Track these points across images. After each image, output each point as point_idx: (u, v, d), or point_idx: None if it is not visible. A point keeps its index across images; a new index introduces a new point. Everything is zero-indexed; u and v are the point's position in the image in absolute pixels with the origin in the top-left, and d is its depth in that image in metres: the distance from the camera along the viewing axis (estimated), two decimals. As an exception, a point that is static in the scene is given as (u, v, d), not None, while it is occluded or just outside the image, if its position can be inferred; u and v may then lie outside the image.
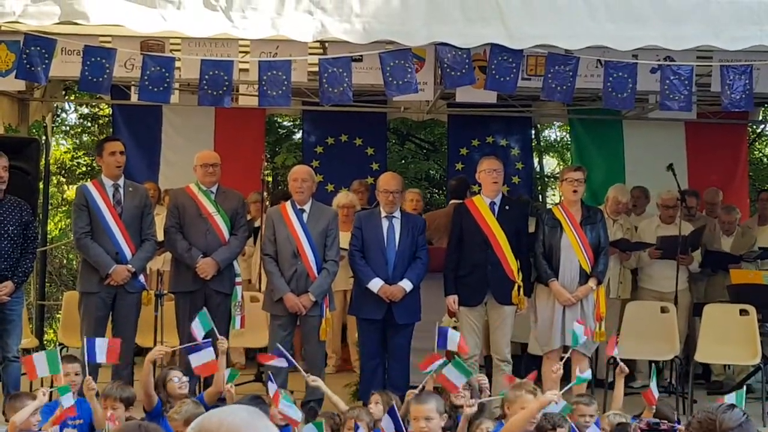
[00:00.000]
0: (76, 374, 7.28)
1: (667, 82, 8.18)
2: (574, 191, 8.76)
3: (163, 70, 8.11)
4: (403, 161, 18.57)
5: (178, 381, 7.19)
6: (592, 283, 8.67)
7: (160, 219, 9.58)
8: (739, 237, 11.16)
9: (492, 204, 8.86)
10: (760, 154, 20.64)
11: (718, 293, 10.80)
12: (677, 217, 10.57)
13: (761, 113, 15.32)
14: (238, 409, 2.53)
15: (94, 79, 8.05)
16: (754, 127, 18.23)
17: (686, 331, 10.49)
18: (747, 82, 8.21)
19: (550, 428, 6.26)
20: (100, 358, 7.05)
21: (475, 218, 8.83)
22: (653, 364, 9.13)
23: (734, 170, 14.06)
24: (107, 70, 8.04)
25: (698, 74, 8.82)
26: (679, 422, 6.87)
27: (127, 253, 8.63)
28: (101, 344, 7.09)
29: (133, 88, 11.16)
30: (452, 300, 8.80)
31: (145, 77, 8.09)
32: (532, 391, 6.53)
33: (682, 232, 10.20)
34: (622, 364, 7.62)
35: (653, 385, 7.16)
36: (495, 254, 8.73)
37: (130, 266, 8.58)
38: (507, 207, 8.93)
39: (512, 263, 8.72)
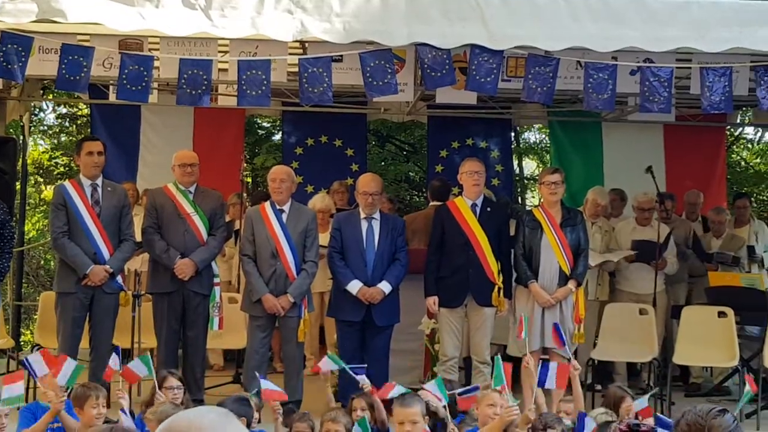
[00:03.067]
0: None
1: (647, 83, 8.20)
2: (552, 194, 8.77)
3: (142, 69, 8.06)
4: (383, 163, 18.55)
5: (173, 392, 7.13)
6: (571, 284, 8.68)
7: (138, 219, 9.53)
8: (728, 240, 11.19)
9: (473, 206, 8.86)
10: (738, 157, 20.71)
11: (701, 296, 10.82)
12: (653, 219, 10.60)
13: (739, 116, 15.36)
14: (207, 410, 2.49)
15: (72, 78, 8.00)
16: (732, 130, 18.29)
17: (664, 333, 10.51)
18: (726, 84, 8.24)
19: (541, 428, 6.26)
20: (42, 371, 6.84)
21: (457, 220, 8.83)
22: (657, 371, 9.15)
23: (712, 173, 14.11)
24: (85, 69, 7.98)
25: (677, 76, 8.83)
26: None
27: (105, 253, 8.58)
28: (36, 359, 6.96)
29: (111, 87, 11.09)
30: (432, 301, 8.80)
31: (123, 76, 8.04)
32: (499, 390, 6.53)
33: (659, 235, 10.21)
34: (575, 361, 7.63)
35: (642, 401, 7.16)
36: (476, 256, 8.73)
37: (107, 266, 8.52)
38: (488, 209, 8.94)
39: (493, 265, 8.72)
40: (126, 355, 9.95)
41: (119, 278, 8.71)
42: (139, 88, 8.07)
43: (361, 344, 8.80)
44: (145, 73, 8.08)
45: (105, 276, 8.51)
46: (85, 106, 16.49)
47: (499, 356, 6.86)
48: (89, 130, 14.52)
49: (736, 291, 10.16)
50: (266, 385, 6.95)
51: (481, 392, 6.74)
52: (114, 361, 7.19)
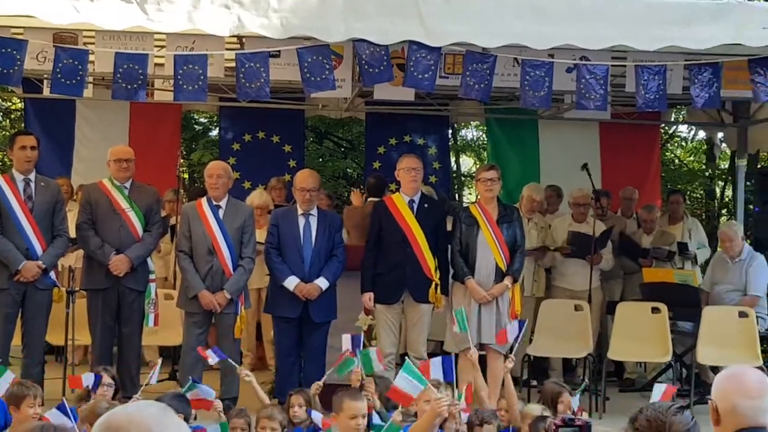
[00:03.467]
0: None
1: (583, 81, 8.28)
2: (488, 190, 8.82)
3: (76, 63, 7.98)
4: (321, 159, 18.54)
5: (104, 388, 7.05)
6: (507, 281, 8.72)
7: (72, 215, 9.42)
8: (659, 236, 11.32)
9: (411, 202, 8.87)
10: (672, 155, 20.96)
11: (635, 293, 10.94)
12: (589, 215, 10.70)
13: (673, 114, 15.54)
14: (146, 405, 2.48)
15: (5, 71, 7.90)
16: (667, 128, 18.51)
17: (598, 329, 10.61)
18: (661, 82, 8.35)
19: (477, 424, 6.29)
20: None
21: (394, 216, 8.84)
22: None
23: (647, 170, 14.24)
24: (18, 62, 7.89)
25: (613, 74, 8.92)
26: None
27: (38, 249, 8.47)
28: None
29: (45, 81, 10.94)
30: (368, 297, 8.80)
31: (58, 70, 7.95)
32: (436, 384, 6.54)
33: (594, 231, 10.31)
34: (511, 356, 7.68)
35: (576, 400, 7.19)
36: (413, 252, 8.75)
37: (40, 262, 8.43)
38: (426, 205, 8.96)
39: (430, 261, 8.74)
40: (59, 352, 9.89)
41: (52, 274, 8.62)
42: (74, 82, 7.99)
43: (298, 341, 8.78)
44: (80, 67, 8.00)
45: (38, 272, 8.41)
46: (18, 100, 16.28)
47: (407, 360, 6.79)
48: (23, 124, 14.32)
49: (669, 287, 10.29)
50: (198, 391, 6.95)
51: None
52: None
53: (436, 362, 6.61)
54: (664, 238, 11.30)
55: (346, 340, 7.36)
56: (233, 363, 7.71)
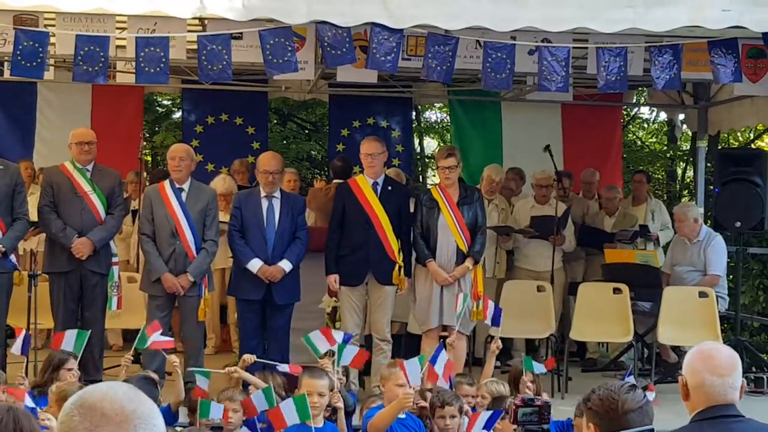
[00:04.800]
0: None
1: (545, 63, 8.31)
2: (447, 178, 8.86)
3: (37, 45, 7.92)
4: (285, 141, 18.53)
5: (70, 373, 7.02)
6: (468, 262, 8.77)
7: (34, 198, 9.38)
8: (621, 218, 11.40)
9: (375, 185, 8.90)
10: (634, 137, 21.11)
11: (597, 273, 11.02)
12: (551, 197, 10.75)
13: (635, 96, 15.65)
14: (117, 384, 2.50)
15: (-36, 54, 7.84)
16: (629, 109, 18.63)
17: (561, 309, 10.69)
18: (622, 64, 8.40)
19: (439, 406, 6.33)
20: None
21: (358, 198, 8.86)
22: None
23: (609, 152, 14.36)
24: (-22, 45, 7.83)
25: (575, 56, 8.97)
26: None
27: (-2, 232, 8.43)
28: None
29: (5, 63, 10.86)
30: (333, 279, 8.82)
31: (18, 52, 7.90)
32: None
33: (557, 212, 10.37)
34: (498, 341, 7.73)
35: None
36: (377, 234, 8.77)
37: (0, 245, 8.37)
38: (389, 188, 8.98)
39: (393, 243, 8.77)
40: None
41: (12, 257, 8.57)
42: (34, 64, 7.94)
43: (261, 323, 8.79)
44: (41, 49, 7.95)
45: (-2, 255, 8.37)
46: (-22, 83, 16.13)
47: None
48: (-17, 107, 14.21)
49: (631, 268, 10.38)
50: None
51: (389, 370, 6.75)
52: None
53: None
54: (627, 220, 11.39)
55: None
56: (163, 353, 7.63)
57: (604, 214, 11.51)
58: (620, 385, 3.77)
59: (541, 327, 9.93)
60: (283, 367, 7.19)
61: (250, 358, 7.35)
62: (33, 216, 8.96)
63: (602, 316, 9.90)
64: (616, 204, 11.53)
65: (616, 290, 9.94)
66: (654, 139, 21.65)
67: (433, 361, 6.79)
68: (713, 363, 3.90)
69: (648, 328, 10.15)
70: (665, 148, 20.55)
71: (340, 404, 6.53)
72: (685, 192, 19.52)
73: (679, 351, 10.42)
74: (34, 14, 8.86)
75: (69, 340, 7.24)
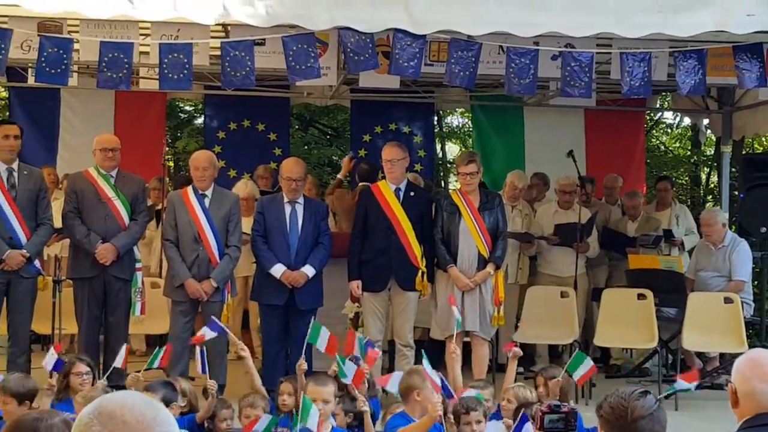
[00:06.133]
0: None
1: (568, 68, 8.29)
2: (468, 184, 8.84)
3: (61, 51, 7.96)
4: (306, 147, 18.52)
5: (81, 377, 7.00)
6: (490, 268, 8.74)
7: (58, 204, 9.42)
8: (644, 223, 11.34)
9: (397, 190, 8.89)
10: (657, 142, 21.02)
11: (621, 279, 10.96)
12: (575, 202, 10.71)
13: (659, 101, 15.58)
14: (136, 394, 2.50)
15: (-11, 61, 7.88)
16: (652, 114, 18.55)
17: (584, 315, 10.64)
18: (645, 69, 8.36)
19: (464, 412, 6.29)
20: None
21: (380, 203, 8.85)
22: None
23: (632, 157, 14.30)
24: (2, 51, 7.88)
25: (598, 62, 8.94)
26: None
27: (22, 237, 8.46)
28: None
29: (30, 70, 10.92)
30: (356, 285, 8.81)
31: (42, 59, 7.93)
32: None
33: (580, 218, 10.33)
34: (517, 348, 7.69)
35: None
36: (399, 240, 8.76)
37: (24, 251, 8.41)
38: (412, 193, 8.97)
39: (416, 249, 8.75)
40: (46, 342, 9.88)
41: (36, 262, 8.61)
42: (59, 71, 7.98)
43: (284, 328, 8.79)
44: (65, 55, 7.98)
45: (22, 261, 8.40)
46: (2, 89, 16.21)
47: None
48: (7, 113, 14.29)
49: (655, 273, 10.32)
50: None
51: (419, 380, 6.66)
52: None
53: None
54: (649, 224, 11.33)
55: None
56: (232, 336, 7.64)
57: (627, 220, 11.46)
58: (631, 392, 3.73)
59: (564, 333, 9.88)
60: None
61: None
62: (57, 222, 9.00)
63: (626, 322, 9.84)
64: (639, 210, 11.48)
65: (641, 296, 9.88)
66: (678, 144, 21.55)
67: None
68: (763, 371, 3.86)
69: (672, 334, 10.08)
70: (689, 153, 20.45)
71: (366, 408, 6.48)
72: (710, 197, 19.41)
73: (704, 357, 10.36)
74: (59, 21, 8.90)
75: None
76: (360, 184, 10.51)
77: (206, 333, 7.23)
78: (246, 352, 7.29)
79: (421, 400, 6.44)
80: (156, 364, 7.40)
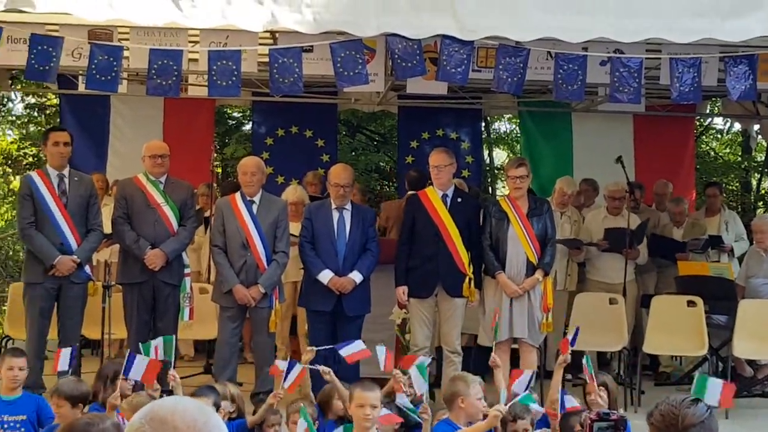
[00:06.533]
0: (20, 369, 7.09)
1: (617, 74, 8.23)
2: (517, 188, 8.80)
3: (111, 59, 8.03)
4: (354, 153, 18.55)
5: (128, 382, 7.03)
6: (538, 274, 8.71)
7: (108, 210, 9.50)
8: (690, 228, 11.25)
9: (444, 196, 8.88)
10: (707, 147, 20.84)
11: (669, 285, 10.88)
12: (624, 208, 10.64)
13: (708, 106, 15.45)
14: (188, 400, 2.52)
15: (41, 68, 7.96)
16: (702, 120, 18.40)
17: (633, 322, 10.56)
18: (695, 75, 8.29)
19: (511, 420, 6.27)
20: (135, 375, 6.71)
21: (428, 210, 8.84)
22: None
23: (681, 163, 14.20)
24: (54, 59, 7.95)
25: (647, 67, 8.88)
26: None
27: (73, 243, 8.55)
28: (141, 362, 6.82)
29: (80, 77, 11.04)
30: (402, 291, 8.80)
31: (93, 66, 8.00)
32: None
33: (629, 224, 10.26)
34: (566, 355, 7.64)
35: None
36: (446, 246, 8.74)
37: (75, 257, 8.50)
38: (459, 199, 8.95)
39: (463, 255, 8.73)
40: (96, 346, 9.97)
41: (87, 268, 8.69)
42: (109, 78, 8.04)
43: (331, 334, 8.78)
44: (115, 63, 8.05)
45: (72, 266, 8.48)
46: (54, 96, 16.39)
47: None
48: (58, 120, 14.45)
49: (704, 280, 10.23)
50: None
51: (467, 384, 6.65)
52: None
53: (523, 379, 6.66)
54: (695, 230, 11.24)
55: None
56: (324, 369, 7.19)
57: (672, 226, 11.36)
58: (681, 400, 3.68)
59: (613, 340, 9.81)
60: (348, 350, 7.15)
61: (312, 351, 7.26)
62: (106, 228, 9.08)
63: (676, 329, 9.75)
64: (684, 216, 11.39)
65: (690, 303, 9.80)
66: (728, 150, 21.35)
67: None
68: None
69: (723, 342, 9.98)
70: (739, 158, 20.25)
71: (427, 415, 6.45)
72: (760, 203, 19.23)
73: (755, 365, 10.25)
74: (109, 29, 8.98)
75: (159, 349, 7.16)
76: (409, 192, 10.51)
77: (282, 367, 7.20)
78: (331, 375, 7.17)
79: (465, 407, 6.44)
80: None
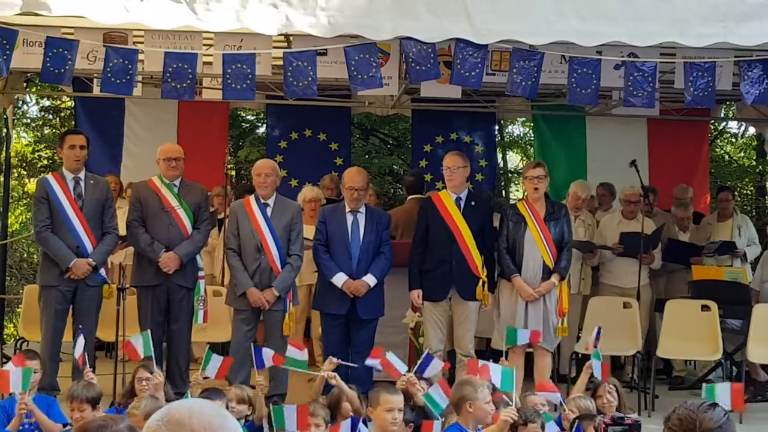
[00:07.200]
0: (35, 371, 7.11)
1: (631, 78, 8.23)
2: (535, 189, 8.79)
3: (126, 62, 8.05)
4: (367, 156, 18.57)
5: (141, 383, 7.06)
6: (554, 278, 8.69)
7: (122, 212, 9.52)
8: (695, 231, 11.25)
9: (458, 199, 8.88)
10: (722, 151, 20.79)
11: (679, 289, 10.86)
12: (639, 212, 10.63)
13: (723, 110, 15.41)
14: (204, 402, 2.53)
15: (56, 71, 7.99)
16: (716, 124, 18.35)
17: (647, 326, 10.55)
18: (710, 79, 8.27)
19: (522, 424, 6.27)
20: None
21: (441, 213, 8.84)
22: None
23: (696, 167, 14.16)
24: (69, 62, 7.97)
25: (661, 71, 8.87)
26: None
27: (88, 246, 8.57)
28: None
29: (95, 80, 11.07)
30: (416, 295, 8.81)
31: (108, 69, 8.03)
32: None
33: (643, 228, 10.25)
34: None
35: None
36: (460, 250, 8.74)
37: (90, 260, 8.52)
38: (473, 203, 8.95)
39: (477, 259, 8.73)
40: (110, 348, 9.99)
41: (102, 271, 8.72)
42: (124, 81, 8.07)
43: (345, 337, 8.80)
44: (130, 66, 8.07)
45: (88, 269, 8.51)
46: (69, 99, 16.45)
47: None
48: (73, 123, 14.49)
49: (719, 285, 10.22)
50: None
51: (475, 388, 6.65)
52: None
53: (496, 369, 6.68)
54: (701, 233, 11.24)
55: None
56: (329, 374, 7.23)
57: (677, 230, 11.35)
58: (699, 404, 3.68)
59: (627, 344, 9.80)
60: (372, 362, 7.20)
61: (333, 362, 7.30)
62: (120, 230, 9.10)
63: (690, 333, 9.74)
64: (689, 222, 11.42)
65: (704, 307, 9.78)
66: (742, 154, 21.28)
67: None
68: None
69: (737, 346, 9.96)
70: (754, 162, 20.19)
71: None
72: (775, 207, 19.17)
73: (769, 369, 10.24)
74: (124, 32, 9.02)
75: (138, 346, 7.30)
76: (410, 197, 10.53)
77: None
78: (337, 379, 7.19)
79: (473, 411, 6.44)
80: (212, 374, 7.44)
